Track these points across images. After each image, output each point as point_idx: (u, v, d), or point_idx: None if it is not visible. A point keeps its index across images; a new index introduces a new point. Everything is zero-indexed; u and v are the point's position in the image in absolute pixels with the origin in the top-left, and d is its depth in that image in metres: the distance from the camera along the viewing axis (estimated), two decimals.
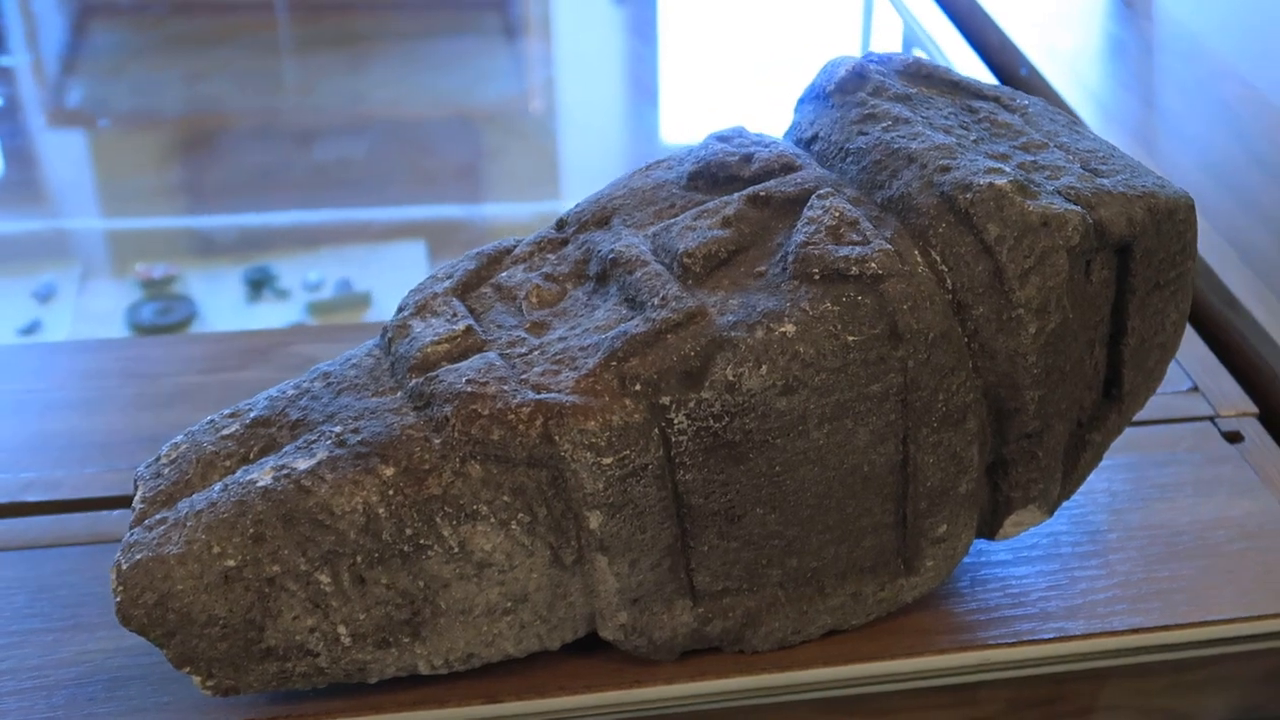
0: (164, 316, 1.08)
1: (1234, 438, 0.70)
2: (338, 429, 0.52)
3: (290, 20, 1.54)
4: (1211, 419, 0.71)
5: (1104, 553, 0.63)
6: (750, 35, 1.49)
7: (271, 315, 1.09)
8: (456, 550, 0.52)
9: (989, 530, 0.59)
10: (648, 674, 0.57)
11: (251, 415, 0.55)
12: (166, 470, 0.54)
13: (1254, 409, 0.72)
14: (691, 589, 0.55)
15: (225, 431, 0.54)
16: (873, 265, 0.53)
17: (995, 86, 0.64)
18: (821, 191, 0.56)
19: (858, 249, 0.53)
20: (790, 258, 0.54)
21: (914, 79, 0.62)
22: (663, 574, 0.54)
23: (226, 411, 0.56)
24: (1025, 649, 0.59)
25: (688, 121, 1.41)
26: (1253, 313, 0.78)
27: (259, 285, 1.13)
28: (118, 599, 0.50)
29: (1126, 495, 0.65)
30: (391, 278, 1.16)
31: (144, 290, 1.11)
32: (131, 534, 0.52)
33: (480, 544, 0.52)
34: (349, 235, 1.22)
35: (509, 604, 0.53)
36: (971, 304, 0.54)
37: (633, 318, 0.53)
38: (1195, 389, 0.73)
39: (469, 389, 0.52)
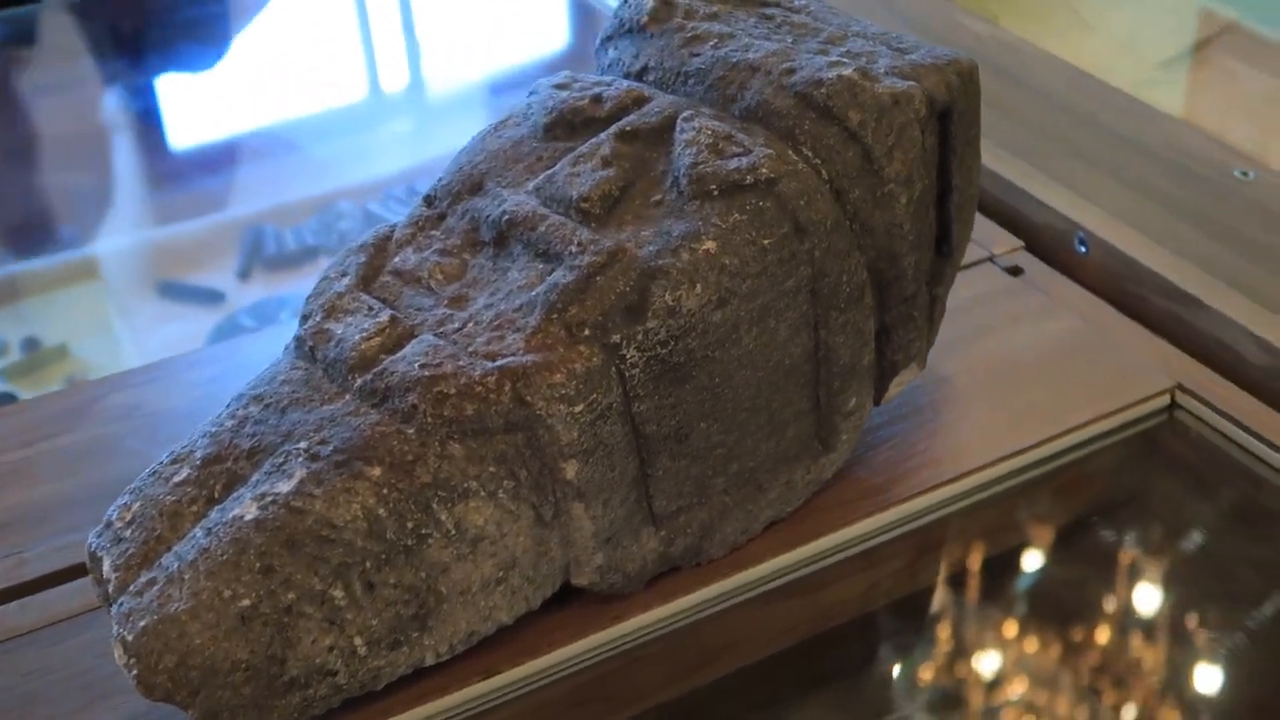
0: None
1: (1015, 271, 0.77)
2: (303, 445, 0.51)
3: None
4: (990, 259, 0.78)
5: (955, 396, 0.69)
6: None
7: None
8: (454, 532, 0.52)
9: (878, 396, 0.64)
10: (624, 607, 0.59)
11: (199, 456, 0.52)
12: (128, 533, 0.51)
13: (1020, 242, 0.80)
14: (652, 515, 0.57)
15: (177, 479, 0.52)
16: (764, 170, 0.56)
17: None
18: (684, 115, 0.58)
19: (745, 159, 0.56)
20: (684, 180, 0.56)
21: None
22: (630, 507, 0.56)
23: (164, 460, 0.53)
24: (938, 491, 0.64)
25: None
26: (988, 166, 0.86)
27: None
28: (134, 672, 0.48)
29: (950, 341, 0.71)
30: (82, 325, 1.10)
31: None
32: (121, 604, 0.49)
33: (474, 520, 0.52)
34: (16, 290, 1.14)
35: (501, 573, 0.54)
36: (848, 188, 0.58)
37: (554, 270, 0.54)
38: None
39: (426, 373, 0.52)
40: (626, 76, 0.63)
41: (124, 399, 0.71)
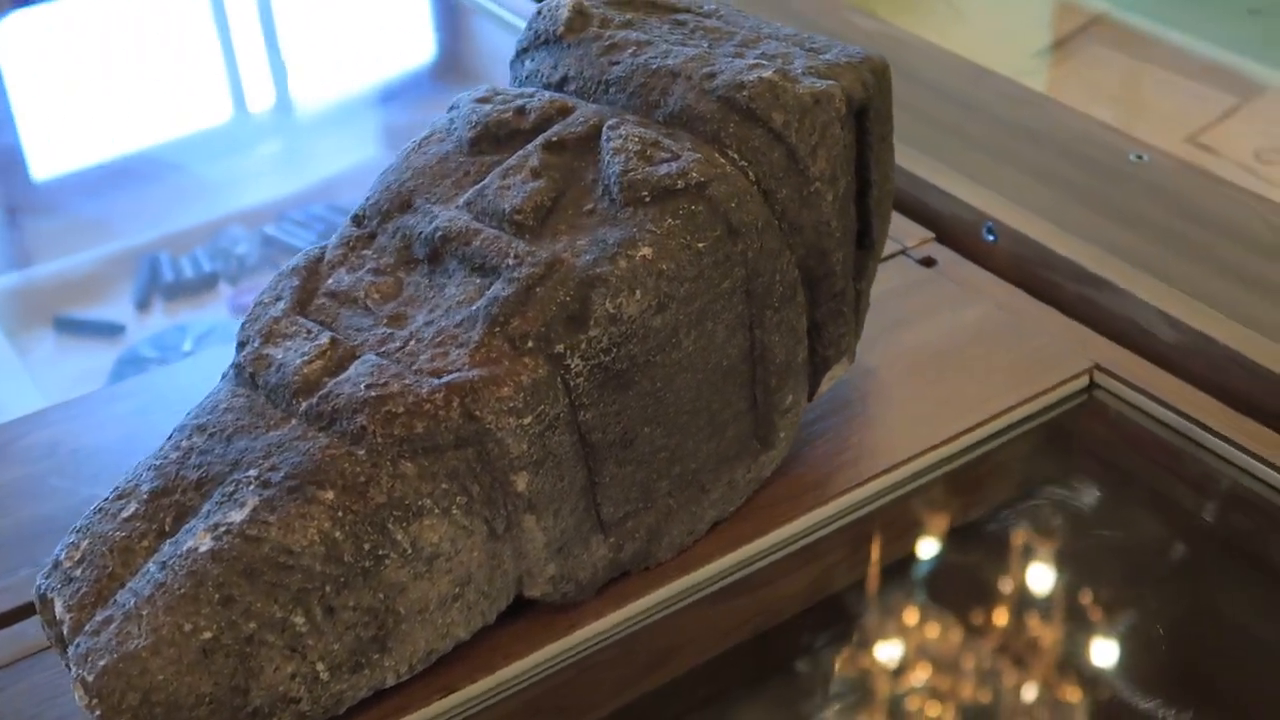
0: None
1: (928, 263, 0.79)
2: (253, 473, 0.51)
3: None
4: (904, 252, 0.79)
5: (881, 388, 0.70)
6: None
7: None
8: (410, 551, 0.51)
9: (811, 391, 0.65)
10: (577, 616, 0.59)
11: (145, 490, 0.52)
12: (78, 572, 0.50)
13: (930, 234, 0.81)
14: (600, 522, 0.58)
15: (125, 514, 0.51)
16: (694, 174, 0.56)
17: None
18: (610, 123, 0.58)
19: (674, 164, 0.56)
20: (616, 188, 0.56)
21: (620, 6, 0.65)
22: (579, 516, 0.56)
23: (109, 496, 0.52)
24: (873, 483, 0.65)
25: None
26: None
27: None
28: (97, 713, 0.47)
29: (872, 334, 0.72)
30: None
31: None
32: (77, 645, 0.48)
33: (429, 537, 0.52)
34: None
35: (457, 589, 0.54)
36: (775, 189, 0.58)
37: (492, 283, 0.54)
38: None
39: (373, 393, 0.51)
40: (546, 87, 0.63)
41: (43, 437, 0.69)
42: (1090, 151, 0.86)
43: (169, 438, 0.54)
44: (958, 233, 0.82)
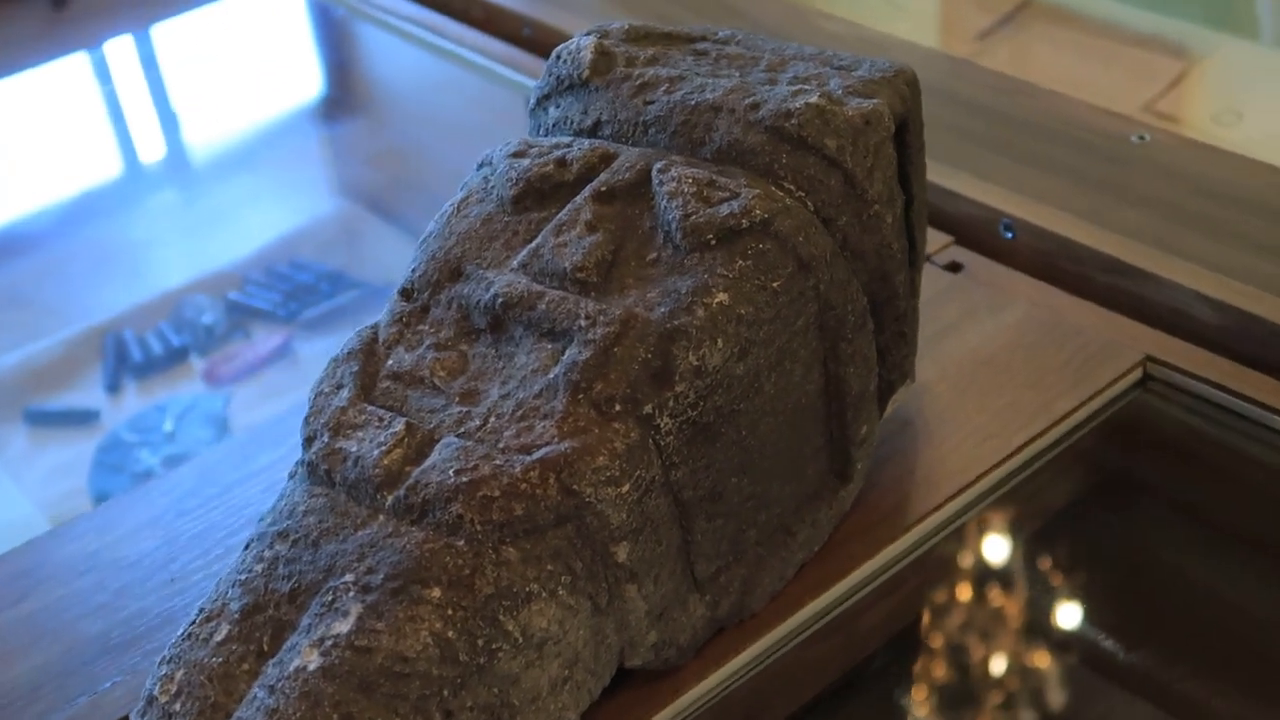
0: None
1: (954, 268, 0.77)
2: (350, 578, 0.48)
3: None
4: (928, 259, 0.78)
5: (938, 402, 0.68)
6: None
7: None
8: (520, 639, 0.49)
9: (879, 416, 0.63)
10: (679, 681, 0.56)
11: (234, 609, 0.49)
12: (177, 706, 0.47)
13: (950, 238, 0.79)
14: (695, 581, 0.55)
15: (218, 638, 0.48)
16: (757, 211, 0.54)
17: (689, 29, 0.66)
18: (658, 166, 0.56)
19: (735, 203, 0.54)
20: (678, 234, 0.54)
21: (639, 41, 0.63)
22: (677, 578, 0.54)
23: (194, 620, 0.49)
24: (949, 506, 0.63)
25: None
26: None
27: None
28: None
29: (919, 347, 0.70)
30: None
31: None
32: None
33: (538, 623, 0.49)
34: None
35: (566, 671, 0.51)
36: (834, 216, 0.56)
37: (566, 348, 0.52)
38: None
39: (465, 479, 0.49)
40: (578, 134, 0.60)
41: (77, 551, 0.65)
42: (1090, 137, 0.85)
43: (247, 548, 0.51)
44: (976, 233, 0.80)
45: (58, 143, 1.39)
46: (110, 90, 1.45)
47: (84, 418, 1.11)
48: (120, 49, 1.46)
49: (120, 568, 0.64)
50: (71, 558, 0.65)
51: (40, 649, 0.61)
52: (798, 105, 0.57)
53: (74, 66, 1.44)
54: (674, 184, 0.55)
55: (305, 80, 1.46)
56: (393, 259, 1.24)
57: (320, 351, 1.13)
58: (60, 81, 1.43)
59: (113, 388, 1.14)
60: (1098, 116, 0.87)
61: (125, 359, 1.16)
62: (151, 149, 1.43)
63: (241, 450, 0.71)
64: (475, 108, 1.23)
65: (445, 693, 0.47)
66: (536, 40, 1.07)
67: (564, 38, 0.65)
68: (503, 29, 1.09)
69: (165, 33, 1.48)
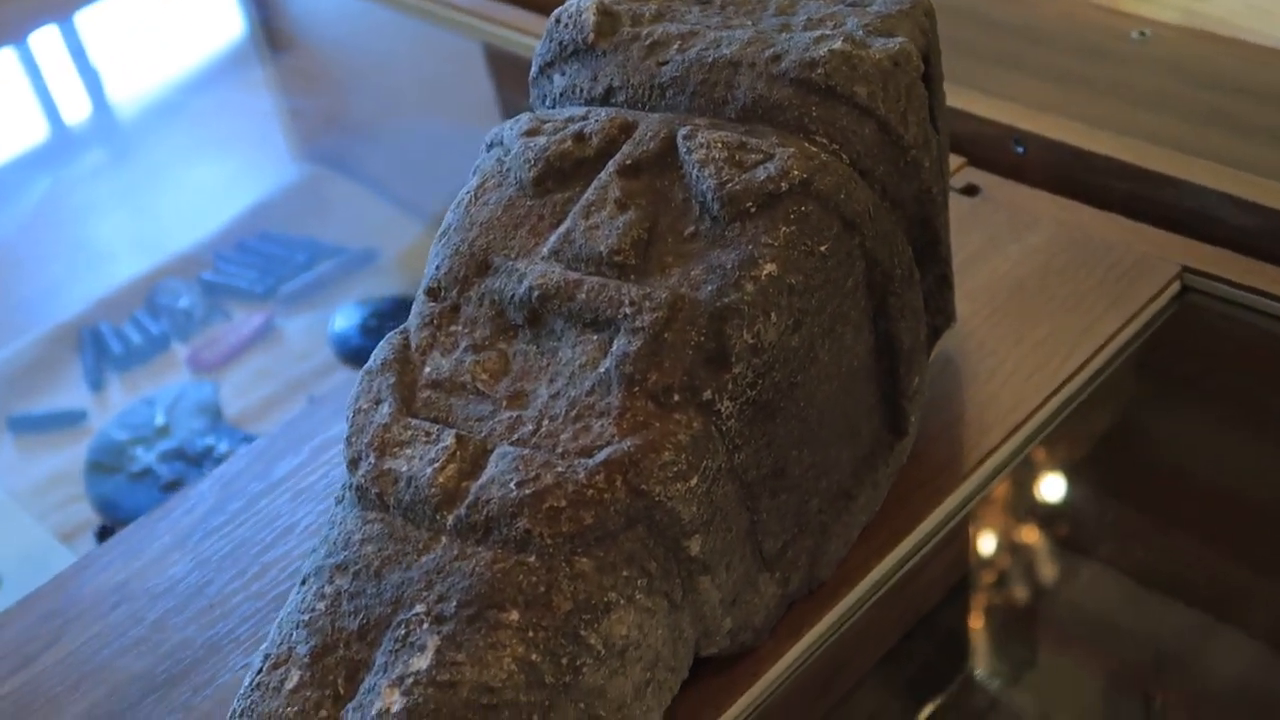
0: None
1: (970, 190, 0.75)
2: (420, 608, 0.45)
3: None
4: None
5: (976, 337, 0.66)
6: None
7: None
8: (603, 651, 0.47)
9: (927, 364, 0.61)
10: (758, 662, 0.55)
11: (302, 652, 0.46)
12: None
13: (962, 159, 0.77)
14: (764, 560, 0.53)
15: (289, 685, 0.46)
16: (795, 172, 0.51)
17: None
18: (683, 132, 0.53)
19: (770, 165, 0.51)
20: (715, 204, 0.51)
21: None
22: (746, 561, 0.52)
23: (260, 669, 0.47)
24: (1006, 445, 0.61)
25: None
26: None
27: None
28: None
29: None
30: None
31: None
32: None
33: (618, 631, 0.47)
34: None
35: (648, 674, 0.49)
36: (871, 167, 0.54)
37: (613, 338, 0.49)
38: None
39: (528, 491, 0.46)
40: (589, 103, 0.57)
41: (106, 583, 0.63)
42: (1089, 37, 0.83)
43: (304, 584, 0.48)
44: (987, 152, 0.78)
45: None
46: (40, 81, 1.40)
47: (70, 419, 1.08)
48: (49, 36, 1.42)
49: (153, 597, 0.62)
50: (100, 591, 0.63)
51: (84, 693, 0.58)
52: (822, 53, 0.54)
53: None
54: (703, 150, 0.52)
55: (249, 47, 1.41)
56: (368, 220, 1.20)
57: (304, 326, 1.09)
58: None
59: (96, 384, 1.11)
60: (1093, 14, 0.85)
61: (105, 353, 1.13)
62: (97, 135, 1.39)
63: (259, 458, 0.68)
64: (425, 55, 1.19)
65: (535, 717, 0.45)
66: None
67: None
68: None
69: (96, 13, 1.43)
